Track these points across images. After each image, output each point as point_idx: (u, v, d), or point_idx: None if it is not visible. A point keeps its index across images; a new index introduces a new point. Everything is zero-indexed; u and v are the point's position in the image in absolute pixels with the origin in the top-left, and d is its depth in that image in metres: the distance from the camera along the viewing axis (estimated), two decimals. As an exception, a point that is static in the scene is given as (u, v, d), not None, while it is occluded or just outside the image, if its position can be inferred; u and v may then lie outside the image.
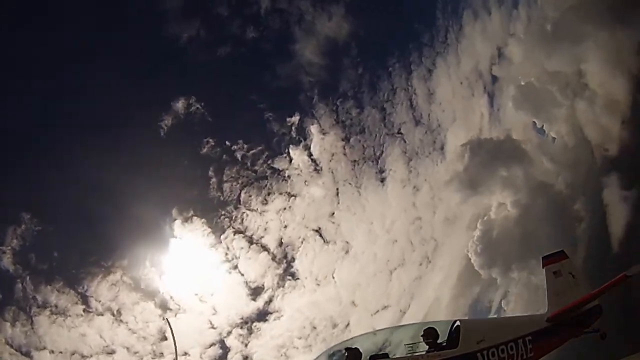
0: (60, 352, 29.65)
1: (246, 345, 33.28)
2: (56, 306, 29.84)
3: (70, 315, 30.03)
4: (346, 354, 11.03)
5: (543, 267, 13.12)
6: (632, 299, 24.17)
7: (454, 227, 39.87)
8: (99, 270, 30.64)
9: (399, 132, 38.61)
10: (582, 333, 12.54)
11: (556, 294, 12.61)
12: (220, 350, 32.72)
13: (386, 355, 11.24)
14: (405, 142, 38.65)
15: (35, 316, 29.44)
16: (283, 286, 34.91)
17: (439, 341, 11.33)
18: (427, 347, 11.25)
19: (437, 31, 39.57)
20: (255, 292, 34.26)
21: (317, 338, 34.80)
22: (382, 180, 38.02)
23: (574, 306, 12.19)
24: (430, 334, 11.33)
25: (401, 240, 38.77)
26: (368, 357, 11.09)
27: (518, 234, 36.03)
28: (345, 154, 37.05)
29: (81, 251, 30.97)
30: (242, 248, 34.03)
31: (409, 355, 11.18)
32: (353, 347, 11.18)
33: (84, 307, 30.33)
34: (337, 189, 36.80)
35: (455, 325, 11.63)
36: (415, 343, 11.40)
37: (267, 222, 34.87)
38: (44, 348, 29.40)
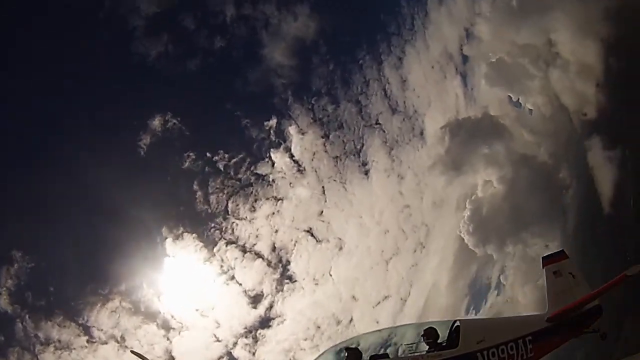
0: (70, 386, 29.43)
1: (253, 353, 33.53)
2: (59, 341, 29.84)
3: (74, 348, 30.07)
4: (346, 354, 10.99)
5: (543, 267, 13.12)
6: (631, 299, 24.35)
7: (442, 210, 40.44)
8: (97, 299, 30.72)
9: (377, 123, 38.98)
10: (582, 333, 12.52)
11: (556, 294, 12.59)
12: (230, 362, 32.81)
13: (386, 355, 11.21)
14: (384, 132, 39.00)
15: (40, 354, 29.49)
16: (282, 290, 35.16)
17: (439, 341, 11.31)
18: (427, 347, 11.24)
19: (403, 19, 39.96)
20: (255, 299, 34.48)
21: (322, 337, 35.07)
22: (366, 172, 38.44)
23: (574, 306, 12.17)
24: (430, 334, 11.31)
25: (393, 230, 39.21)
26: (368, 357, 11.06)
27: (507, 209, 36.41)
28: (326, 151, 37.34)
29: (77, 282, 31.01)
30: (236, 258, 34.19)
31: (409, 355, 11.15)
32: (353, 347, 11.15)
33: (87, 337, 30.43)
34: (323, 187, 37.12)
35: (455, 325, 11.62)
36: (415, 343, 11.37)
37: (257, 229, 35.12)
38: (53, 385, 29.21)
